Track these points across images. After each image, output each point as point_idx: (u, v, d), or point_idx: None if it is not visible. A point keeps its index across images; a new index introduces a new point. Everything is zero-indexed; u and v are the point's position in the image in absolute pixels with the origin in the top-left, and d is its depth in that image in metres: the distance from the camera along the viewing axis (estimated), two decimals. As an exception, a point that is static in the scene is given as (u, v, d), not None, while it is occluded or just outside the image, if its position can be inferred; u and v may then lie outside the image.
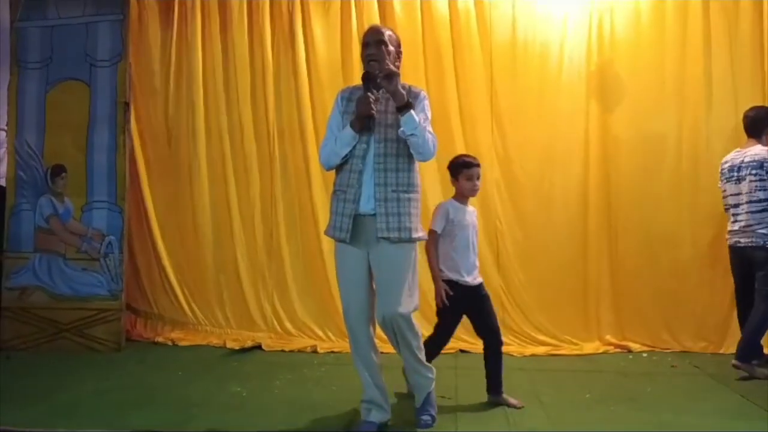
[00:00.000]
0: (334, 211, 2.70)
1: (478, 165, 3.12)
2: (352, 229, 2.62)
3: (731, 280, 4.10)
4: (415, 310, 2.67)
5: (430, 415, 2.77)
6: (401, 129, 2.56)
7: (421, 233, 2.69)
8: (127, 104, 4.36)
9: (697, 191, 4.22)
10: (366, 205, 2.61)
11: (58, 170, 4.40)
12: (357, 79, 4.36)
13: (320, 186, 4.47)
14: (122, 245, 4.32)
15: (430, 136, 2.60)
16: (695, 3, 4.23)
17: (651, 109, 4.27)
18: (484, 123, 4.37)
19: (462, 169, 3.09)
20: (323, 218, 4.42)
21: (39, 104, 4.43)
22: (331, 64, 4.51)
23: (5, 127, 4.58)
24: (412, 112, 2.54)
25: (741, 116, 3.82)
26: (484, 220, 4.36)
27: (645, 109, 4.28)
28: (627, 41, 4.31)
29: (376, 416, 2.72)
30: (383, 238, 2.58)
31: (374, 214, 2.60)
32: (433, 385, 2.82)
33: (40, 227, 4.40)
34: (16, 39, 4.47)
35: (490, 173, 4.30)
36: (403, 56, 4.21)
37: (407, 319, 2.62)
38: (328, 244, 4.40)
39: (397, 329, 2.62)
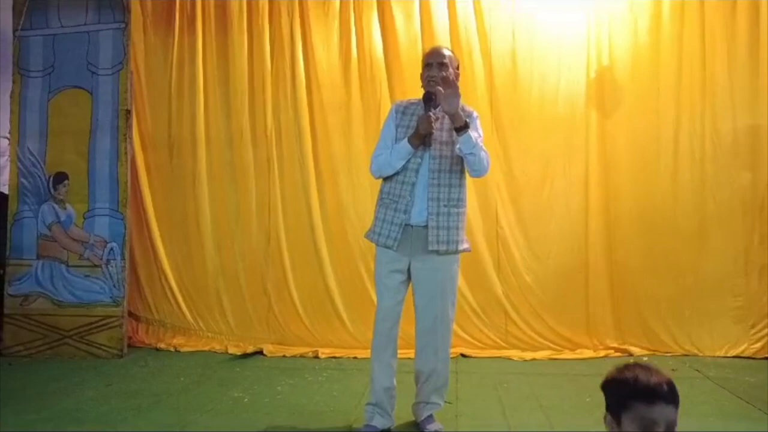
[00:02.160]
0: (381, 218, 2.76)
1: (667, 399, 1.37)
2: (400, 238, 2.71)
3: (732, 283, 4.13)
4: (453, 319, 2.83)
5: (438, 425, 2.79)
6: (458, 147, 2.64)
7: (465, 245, 2.80)
8: (128, 112, 4.38)
9: (695, 195, 4.24)
10: (417, 217, 2.71)
11: (60, 177, 4.42)
12: (354, 85, 4.50)
13: (316, 190, 4.50)
14: (124, 252, 4.34)
15: (484, 154, 2.69)
16: (691, 8, 4.26)
17: (650, 114, 4.29)
18: (485, 129, 4.36)
19: (633, 401, 1.35)
20: (320, 222, 4.47)
21: (41, 112, 4.46)
22: (329, 69, 4.53)
23: (8, 136, 4.60)
24: (469, 132, 2.61)
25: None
26: (485, 225, 4.38)
27: (644, 115, 4.30)
28: (625, 48, 4.33)
29: (380, 421, 2.74)
30: (433, 250, 2.67)
31: (424, 226, 2.69)
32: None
33: (42, 234, 4.42)
34: (19, 47, 4.49)
35: (491, 178, 4.30)
36: (403, 66, 4.35)
37: (450, 325, 2.79)
38: (326, 248, 4.45)
39: (440, 337, 2.75)
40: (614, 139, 4.34)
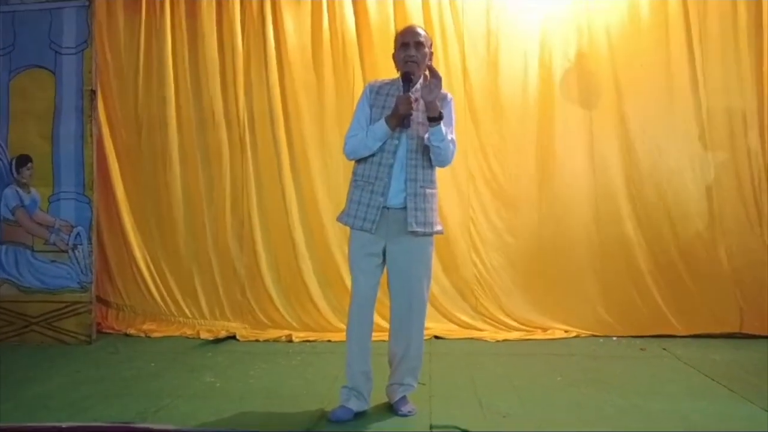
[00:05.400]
0: (357, 200, 2.73)
1: None
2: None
3: (701, 266, 4.20)
4: (428, 300, 2.85)
5: (412, 406, 2.81)
6: (427, 136, 2.65)
7: (439, 227, 2.80)
8: (93, 92, 4.26)
9: (675, 179, 4.27)
10: (394, 199, 2.70)
11: (23, 160, 4.30)
12: (326, 66, 4.44)
13: (290, 174, 4.45)
14: (91, 236, 4.25)
15: (451, 146, 2.69)
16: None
17: (629, 100, 4.29)
18: (460, 113, 4.33)
19: None
20: (294, 206, 4.44)
21: (2, 93, 4.32)
22: (301, 51, 4.47)
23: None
24: (441, 125, 2.61)
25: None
26: (459, 208, 4.39)
27: (623, 100, 4.29)
28: (605, 31, 4.31)
29: (355, 404, 2.73)
30: (412, 231, 2.67)
31: (401, 208, 2.69)
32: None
33: (6, 219, 4.30)
34: (-24, 25, 4.34)
35: (464, 161, 4.32)
36: (376, 47, 4.31)
37: (425, 307, 2.81)
38: (299, 232, 4.42)
39: (415, 318, 2.77)
40: (591, 123, 4.34)
